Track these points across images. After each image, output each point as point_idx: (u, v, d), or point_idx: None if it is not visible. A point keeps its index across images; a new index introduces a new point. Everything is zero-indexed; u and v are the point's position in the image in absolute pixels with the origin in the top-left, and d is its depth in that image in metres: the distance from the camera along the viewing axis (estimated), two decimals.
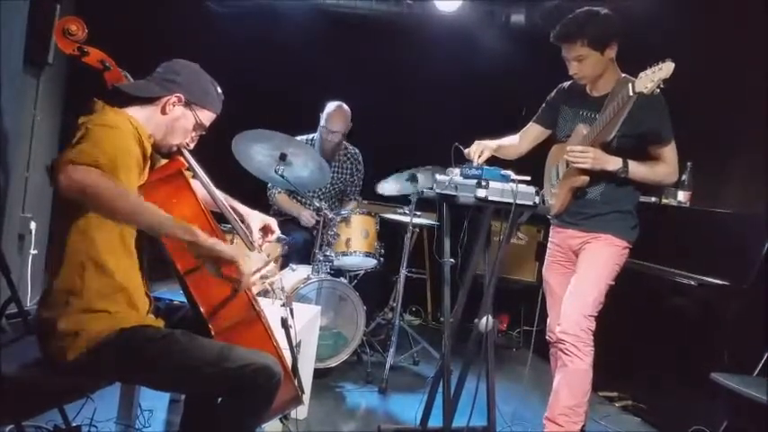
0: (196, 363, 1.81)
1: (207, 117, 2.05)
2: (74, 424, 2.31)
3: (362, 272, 4.15)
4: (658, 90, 2.40)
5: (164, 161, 2.09)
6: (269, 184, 4.17)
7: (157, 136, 1.98)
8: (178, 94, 1.97)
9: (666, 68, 2.34)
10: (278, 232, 2.28)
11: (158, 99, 1.96)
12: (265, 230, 2.26)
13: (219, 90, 2.07)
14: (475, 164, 2.73)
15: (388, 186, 4.16)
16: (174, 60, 2.03)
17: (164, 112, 1.96)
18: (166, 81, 1.97)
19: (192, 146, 2.08)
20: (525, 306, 4.92)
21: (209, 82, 2.05)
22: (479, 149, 2.80)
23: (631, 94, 2.45)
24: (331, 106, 4.17)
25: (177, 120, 1.99)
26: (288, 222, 4.15)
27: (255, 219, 2.25)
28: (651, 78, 2.37)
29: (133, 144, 1.85)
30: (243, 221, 2.24)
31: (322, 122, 4.17)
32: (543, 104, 3.04)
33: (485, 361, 2.70)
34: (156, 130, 1.97)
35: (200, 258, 1.78)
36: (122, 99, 1.94)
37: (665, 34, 3.87)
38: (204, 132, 2.09)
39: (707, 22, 3.83)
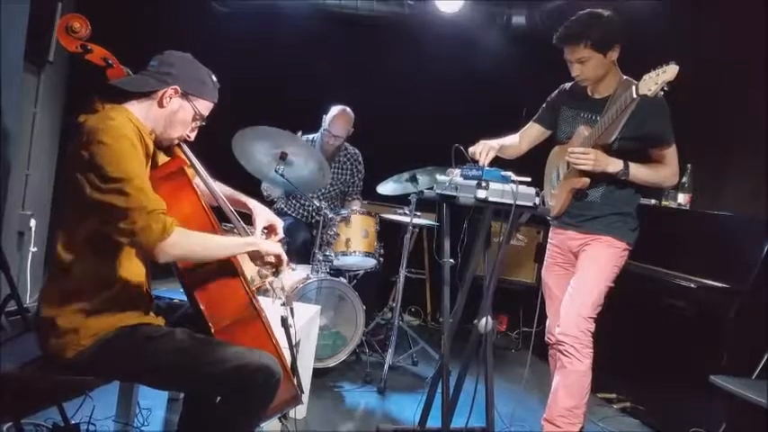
0: (196, 361, 1.82)
1: (204, 107, 2.04)
2: (72, 422, 2.31)
3: (362, 272, 4.15)
4: (662, 93, 2.40)
5: (165, 158, 2.08)
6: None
7: (158, 130, 1.98)
8: (174, 87, 1.95)
9: (671, 71, 2.34)
10: (281, 233, 2.27)
11: (155, 93, 1.95)
12: (270, 230, 2.25)
13: (215, 79, 2.06)
14: (482, 164, 2.72)
15: (389, 186, 4.16)
16: (167, 52, 2.01)
17: (161, 105, 1.95)
18: (162, 74, 1.96)
19: (192, 137, 2.07)
20: (524, 307, 4.92)
21: (204, 72, 2.04)
22: (485, 149, 2.79)
23: (635, 96, 2.45)
24: (335, 110, 4.17)
25: (176, 112, 1.98)
26: (291, 224, 4.14)
27: (261, 217, 2.23)
28: (655, 81, 2.37)
29: (138, 144, 1.85)
30: (250, 217, 2.23)
31: (325, 125, 4.16)
32: (544, 105, 3.04)
33: (483, 362, 2.70)
34: (156, 124, 1.97)
35: (254, 257, 2.00)
36: (121, 95, 1.94)
37: (665, 36, 3.88)
38: (204, 123, 2.08)
39: (707, 24, 3.84)
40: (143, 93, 1.94)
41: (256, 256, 2.00)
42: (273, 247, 2.01)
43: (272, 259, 2.01)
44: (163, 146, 2.04)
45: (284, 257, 2.03)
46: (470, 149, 2.79)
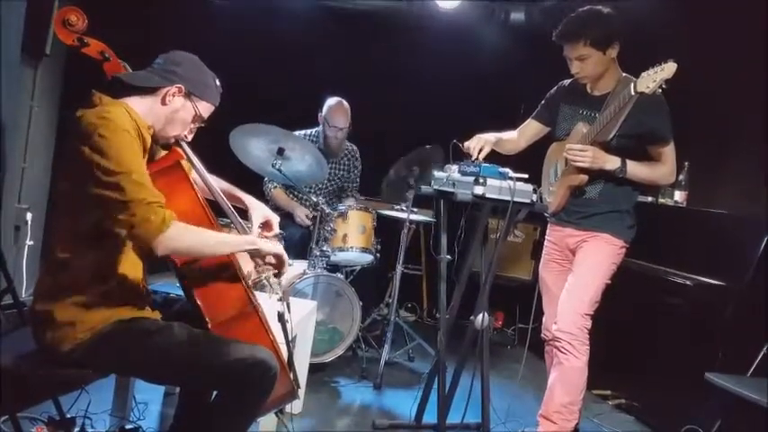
0: (192, 356, 1.82)
1: (206, 109, 2.04)
2: (68, 416, 2.31)
3: (359, 267, 4.15)
4: (660, 90, 2.40)
5: (162, 153, 2.08)
6: (265, 179, 4.16)
7: (156, 127, 1.98)
8: (178, 85, 1.96)
9: (669, 69, 2.35)
10: (276, 229, 2.27)
11: (158, 90, 1.95)
12: (266, 226, 2.25)
13: (218, 82, 2.07)
14: (474, 158, 2.72)
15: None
16: (173, 51, 2.02)
17: (164, 102, 1.96)
18: (167, 72, 1.96)
19: (189, 138, 2.08)
20: (521, 304, 4.93)
21: (208, 74, 2.05)
22: (480, 144, 2.79)
23: (633, 93, 2.46)
24: (331, 102, 4.15)
25: (177, 111, 1.98)
26: (285, 217, 4.14)
27: (258, 213, 2.24)
28: (653, 78, 2.38)
29: (136, 137, 1.84)
30: (245, 212, 2.23)
31: (326, 122, 4.14)
32: (542, 101, 3.04)
33: (480, 358, 2.70)
34: (156, 121, 1.97)
35: (254, 256, 2.00)
36: (121, 89, 1.93)
37: (664, 34, 3.88)
38: (203, 125, 2.08)
39: (705, 22, 3.84)
40: (146, 89, 1.94)
41: (256, 255, 1.99)
42: (274, 247, 2.00)
43: (272, 260, 2.00)
44: (159, 144, 2.04)
45: (285, 258, 2.02)
46: (465, 144, 2.80)
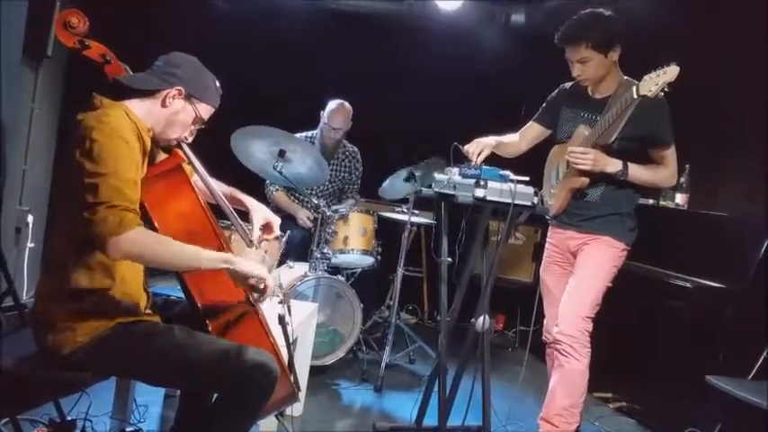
0: (193, 358, 1.81)
1: (206, 111, 2.04)
2: (69, 418, 2.31)
3: (360, 270, 4.15)
4: (662, 93, 2.40)
5: (163, 155, 2.08)
6: (267, 181, 4.17)
7: (157, 129, 1.97)
8: (178, 87, 1.96)
9: (671, 72, 2.35)
10: (277, 231, 2.27)
11: (158, 92, 1.95)
12: (266, 228, 2.25)
13: (218, 84, 2.07)
14: (473, 163, 2.72)
15: (390, 190, 4.13)
16: (173, 53, 2.02)
17: (164, 105, 1.95)
18: (166, 74, 1.96)
19: (190, 140, 2.07)
20: (522, 306, 4.92)
21: (208, 75, 2.05)
22: (479, 148, 2.79)
23: (635, 96, 2.46)
24: (333, 104, 4.18)
25: (177, 113, 1.98)
26: (286, 219, 4.14)
27: (258, 215, 2.23)
28: (655, 81, 2.38)
29: (134, 141, 1.84)
30: (248, 214, 2.23)
31: (324, 120, 4.16)
32: (544, 104, 3.04)
33: (480, 360, 2.70)
34: (156, 123, 1.96)
35: (234, 278, 1.86)
36: (121, 92, 1.93)
37: (664, 35, 3.88)
38: (203, 126, 2.08)
39: (705, 22, 3.84)
40: (146, 91, 1.94)
41: (233, 276, 1.85)
42: (255, 268, 1.85)
43: (254, 282, 1.86)
44: (161, 145, 2.04)
45: (269, 282, 1.88)
46: (464, 148, 2.80)
